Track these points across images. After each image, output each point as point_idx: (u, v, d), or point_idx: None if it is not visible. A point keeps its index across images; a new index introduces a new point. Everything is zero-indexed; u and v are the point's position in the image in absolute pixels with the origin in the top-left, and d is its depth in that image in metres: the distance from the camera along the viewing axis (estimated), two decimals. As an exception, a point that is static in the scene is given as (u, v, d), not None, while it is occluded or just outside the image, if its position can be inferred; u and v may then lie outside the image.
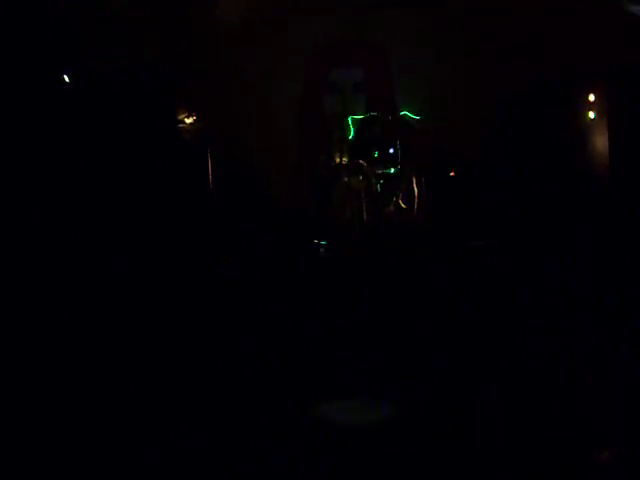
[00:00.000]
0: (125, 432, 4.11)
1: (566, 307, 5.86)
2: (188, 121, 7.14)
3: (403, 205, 7.65)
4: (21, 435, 4.08)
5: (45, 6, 5.83)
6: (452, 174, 7.80)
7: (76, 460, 3.77)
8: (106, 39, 6.32)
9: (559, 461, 3.56)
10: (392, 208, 7.65)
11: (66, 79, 6.28)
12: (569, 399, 4.34)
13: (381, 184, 7.62)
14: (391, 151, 7.69)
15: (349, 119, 7.87)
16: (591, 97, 7.02)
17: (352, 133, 7.84)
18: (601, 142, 6.96)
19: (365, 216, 7.50)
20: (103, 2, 6.26)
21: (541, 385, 4.56)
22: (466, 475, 3.52)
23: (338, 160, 7.80)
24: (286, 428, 4.12)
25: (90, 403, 4.47)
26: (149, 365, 5.10)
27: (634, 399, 4.16)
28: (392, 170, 7.64)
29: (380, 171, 7.66)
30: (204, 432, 4.07)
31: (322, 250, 7.28)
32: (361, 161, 7.62)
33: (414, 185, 7.60)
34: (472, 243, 7.05)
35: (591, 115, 7.03)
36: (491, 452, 3.71)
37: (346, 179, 7.60)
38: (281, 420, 4.23)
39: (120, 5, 6.32)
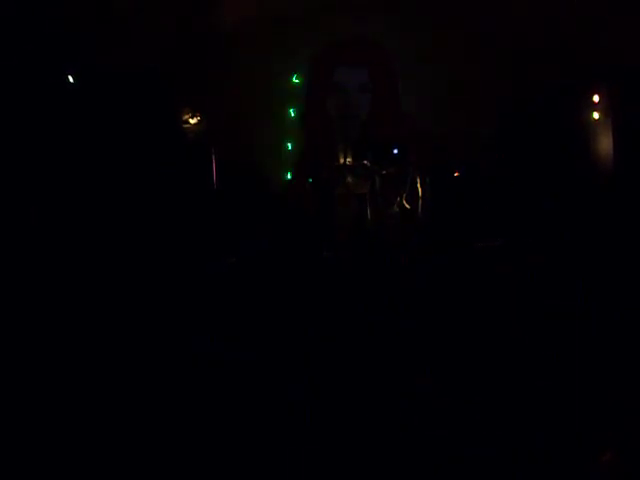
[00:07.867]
0: (124, 432, 4.13)
1: (566, 307, 5.86)
2: (192, 121, 7.15)
3: (407, 206, 7.64)
4: (21, 435, 4.10)
5: (47, 6, 5.86)
6: (456, 174, 7.79)
7: (76, 460, 3.79)
8: (109, 39, 6.35)
9: (559, 461, 3.56)
10: (396, 209, 7.64)
11: (70, 79, 6.31)
12: (569, 399, 4.34)
13: (385, 185, 7.61)
14: (395, 151, 7.68)
15: None
16: (595, 97, 7.00)
17: None
18: (605, 143, 6.94)
19: (369, 217, 7.49)
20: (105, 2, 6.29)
21: (541, 385, 4.56)
22: (466, 475, 3.52)
23: (342, 161, 7.79)
24: (285, 432, 4.13)
25: (88, 402, 4.49)
26: (149, 364, 5.12)
27: (634, 399, 4.16)
28: (396, 171, 7.63)
29: (384, 172, 7.65)
30: (203, 433, 4.09)
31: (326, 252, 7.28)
32: (365, 162, 7.62)
33: (418, 185, 7.59)
34: (476, 243, 7.05)
35: (595, 115, 7.01)
36: (491, 451, 3.72)
37: (350, 180, 7.60)
38: (280, 422, 4.24)
39: (122, 5, 6.36)
